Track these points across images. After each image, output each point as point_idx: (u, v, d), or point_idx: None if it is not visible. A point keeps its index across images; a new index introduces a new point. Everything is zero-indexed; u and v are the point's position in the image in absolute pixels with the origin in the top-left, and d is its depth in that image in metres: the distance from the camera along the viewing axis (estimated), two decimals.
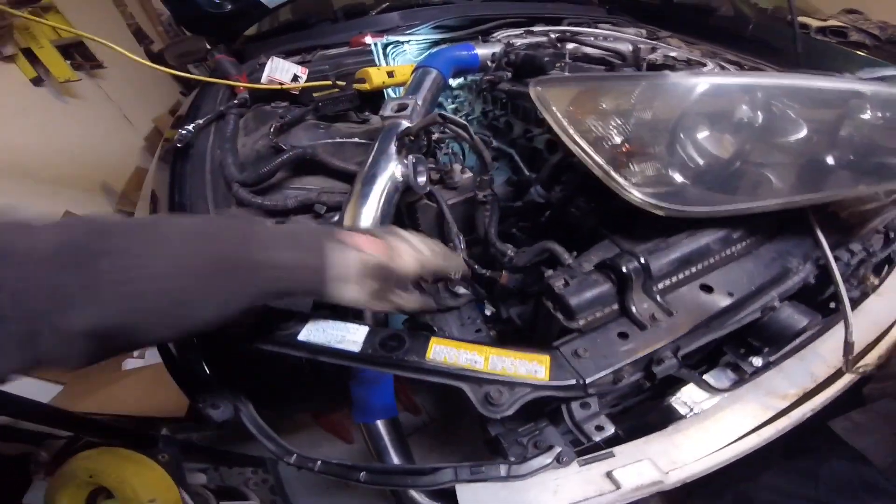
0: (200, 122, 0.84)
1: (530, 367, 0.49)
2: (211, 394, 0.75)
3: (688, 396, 0.71)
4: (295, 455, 0.69)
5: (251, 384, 0.79)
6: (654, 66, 1.23)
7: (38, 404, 1.03)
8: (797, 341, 0.65)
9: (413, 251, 0.52)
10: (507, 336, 0.78)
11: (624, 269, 0.53)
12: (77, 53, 2.89)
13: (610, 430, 0.52)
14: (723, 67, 1.33)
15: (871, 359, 0.70)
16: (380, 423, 0.75)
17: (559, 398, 0.51)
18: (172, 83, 4.21)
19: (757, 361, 0.64)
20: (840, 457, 0.86)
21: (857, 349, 0.67)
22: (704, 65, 1.23)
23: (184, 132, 0.81)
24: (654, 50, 1.33)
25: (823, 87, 0.67)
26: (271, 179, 0.78)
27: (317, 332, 0.52)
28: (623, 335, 0.53)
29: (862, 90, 0.66)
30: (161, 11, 4.27)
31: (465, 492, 0.62)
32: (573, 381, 0.49)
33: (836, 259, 0.66)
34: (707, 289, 0.59)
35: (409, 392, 1.67)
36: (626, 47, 1.29)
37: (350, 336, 0.52)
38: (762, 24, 2.33)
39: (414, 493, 0.73)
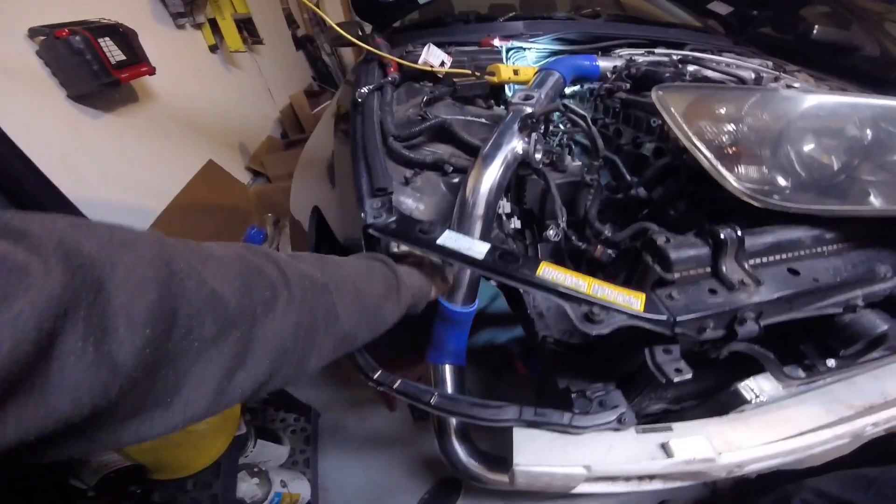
0: (371, 86, 1.09)
1: (627, 299, 0.62)
2: None
3: (755, 384, 0.78)
4: (379, 371, 0.85)
5: None
6: None
7: None
8: (877, 352, 0.71)
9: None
10: None
11: (722, 235, 0.65)
12: (246, 29, 3.50)
13: (688, 373, 0.63)
14: None
15: None
16: (448, 367, 0.88)
17: (643, 331, 0.63)
18: (306, 67, 4.92)
19: (831, 362, 0.71)
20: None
21: None
22: None
23: (363, 91, 1.07)
24: (777, 79, 1.40)
25: None
26: (414, 140, 0.99)
27: (450, 241, 0.70)
28: (712, 291, 0.65)
29: None
30: None
31: (521, 435, 0.74)
32: (664, 317, 0.61)
33: None
34: (794, 272, 0.69)
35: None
36: (748, 74, 1.38)
37: (476, 248, 0.68)
38: None
39: (458, 447, 0.86)
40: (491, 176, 0.84)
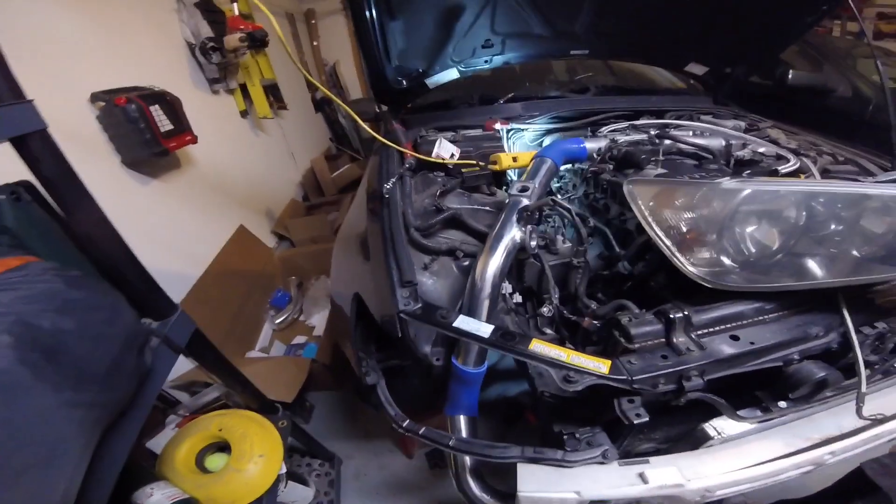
0: (395, 179, 1.37)
1: (596, 365, 0.84)
2: (368, 367, 1.17)
3: (718, 424, 0.94)
4: (407, 421, 1.05)
5: (392, 371, 1.21)
6: (741, 162, 1.53)
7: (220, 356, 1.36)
8: (823, 393, 0.89)
9: None
10: None
11: (671, 315, 0.87)
12: (272, 94, 3.74)
13: (646, 417, 0.83)
14: (811, 159, 1.51)
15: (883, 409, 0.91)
16: (462, 418, 1.07)
17: (612, 387, 0.84)
18: (325, 129, 5.24)
19: (783, 404, 0.90)
20: (869, 499, 1.00)
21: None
22: (788, 160, 1.47)
23: (388, 186, 1.34)
24: (744, 146, 1.62)
25: (840, 191, 0.94)
26: (431, 230, 1.24)
27: (463, 324, 0.93)
28: (664, 356, 0.86)
29: (871, 193, 0.93)
30: (327, 61, 5.42)
31: (524, 470, 0.92)
32: (624, 377, 0.83)
33: (858, 331, 0.91)
34: (735, 338, 0.90)
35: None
36: (718, 143, 1.59)
37: (482, 328, 0.92)
38: (883, 106, 2.45)
39: (473, 485, 1.04)
40: (495, 263, 1.05)
